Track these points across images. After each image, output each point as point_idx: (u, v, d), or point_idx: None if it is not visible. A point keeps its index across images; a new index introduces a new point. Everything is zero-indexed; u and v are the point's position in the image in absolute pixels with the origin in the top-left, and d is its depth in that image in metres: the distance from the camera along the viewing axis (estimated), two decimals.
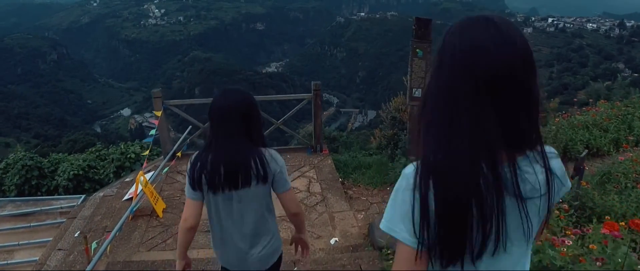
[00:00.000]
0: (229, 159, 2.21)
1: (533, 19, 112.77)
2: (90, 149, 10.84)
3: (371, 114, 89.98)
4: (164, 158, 7.48)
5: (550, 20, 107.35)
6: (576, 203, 3.80)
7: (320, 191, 6.44)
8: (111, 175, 9.11)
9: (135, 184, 5.94)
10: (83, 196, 7.61)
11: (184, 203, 3.49)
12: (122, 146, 9.99)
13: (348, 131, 65.24)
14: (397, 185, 1.15)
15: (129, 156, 9.52)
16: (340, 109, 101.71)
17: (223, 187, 2.25)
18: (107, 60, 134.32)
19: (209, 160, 2.24)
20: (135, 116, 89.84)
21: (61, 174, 9.22)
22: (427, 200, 1.05)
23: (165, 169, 6.84)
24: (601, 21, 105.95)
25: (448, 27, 1.13)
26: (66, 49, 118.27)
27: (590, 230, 2.90)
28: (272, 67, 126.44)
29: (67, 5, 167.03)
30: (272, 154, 2.32)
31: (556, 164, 1.19)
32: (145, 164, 6.72)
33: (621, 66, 72.02)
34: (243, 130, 2.22)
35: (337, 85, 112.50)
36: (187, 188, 2.36)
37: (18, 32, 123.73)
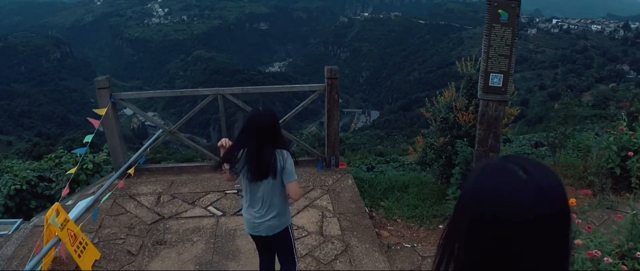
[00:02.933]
0: (259, 162, 3.12)
1: (537, 20, 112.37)
2: (48, 156, 8.53)
3: (374, 114, 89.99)
4: (115, 173, 5.77)
5: (554, 21, 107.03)
6: None
7: (340, 233, 4.63)
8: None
9: (44, 228, 3.87)
10: (18, 221, 5.53)
11: (133, 250, 4.59)
12: (78, 154, 7.23)
13: (350, 131, 65.23)
14: None
15: (85, 166, 6.99)
16: (343, 110, 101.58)
17: (254, 178, 3.16)
18: (111, 59, 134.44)
19: (246, 160, 3.16)
20: (138, 115, 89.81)
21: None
22: None
23: (106, 197, 5.01)
24: (606, 23, 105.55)
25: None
26: (69, 48, 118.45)
27: None
28: (275, 67, 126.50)
29: (71, 4, 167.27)
30: (284, 155, 3.19)
31: None
32: (65, 192, 4.57)
33: (626, 67, 71.77)
34: (269, 139, 3.14)
35: (340, 85, 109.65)
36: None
37: (22, 30, 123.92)
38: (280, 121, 4.04)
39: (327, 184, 5.75)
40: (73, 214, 4.47)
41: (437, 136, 5.69)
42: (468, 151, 4.95)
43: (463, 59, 5.44)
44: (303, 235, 4.69)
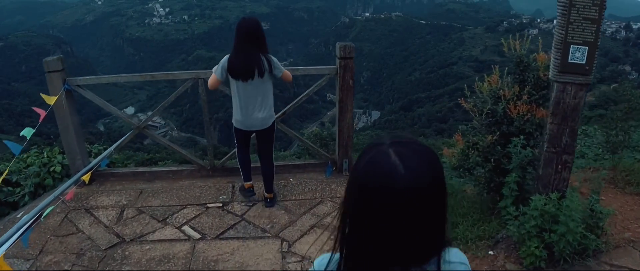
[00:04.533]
0: (248, 62, 3.90)
1: (538, 20, 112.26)
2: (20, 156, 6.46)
3: (375, 114, 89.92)
4: (74, 178, 4.49)
5: (555, 22, 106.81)
6: None
7: None
8: (27, 198, 5.65)
9: None
10: None
11: None
12: (46, 154, 6.17)
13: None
14: None
15: (52, 169, 5.86)
16: None
17: (244, 77, 3.95)
18: (111, 58, 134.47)
19: (237, 61, 3.93)
20: (139, 114, 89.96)
21: None
22: None
23: (48, 211, 3.54)
24: (607, 23, 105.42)
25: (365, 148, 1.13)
26: (70, 47, 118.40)
27: None
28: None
29: (72, 3, 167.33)
30: (270, 58, 4.02)
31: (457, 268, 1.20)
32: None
33: (628, 68, 71.66)
34: (256, 44, 3.94)
35: None
36: (217, 70, 4.08)
37: (23, 30, 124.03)
38: (285, 110, 5.00)
39: (339, 194, 4.62)
40: (5, 236, 3.17)
41: (482, 134, 4.45)
42: (527, 153, 3.91)
43: (510, 39, 4.57)
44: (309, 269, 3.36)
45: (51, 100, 4.52)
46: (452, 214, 4.43)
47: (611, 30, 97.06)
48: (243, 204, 4.80)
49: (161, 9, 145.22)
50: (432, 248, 1.09)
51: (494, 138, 4.30)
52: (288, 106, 5.21)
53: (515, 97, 4.27)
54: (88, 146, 6.94)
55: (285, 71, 4.19)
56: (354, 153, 5.33)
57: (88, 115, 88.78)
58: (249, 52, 3.90)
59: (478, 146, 4.43)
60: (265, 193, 4.65)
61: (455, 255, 1.22)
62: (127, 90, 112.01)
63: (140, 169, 5.59)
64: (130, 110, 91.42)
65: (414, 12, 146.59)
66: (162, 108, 5.61)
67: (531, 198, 3.54)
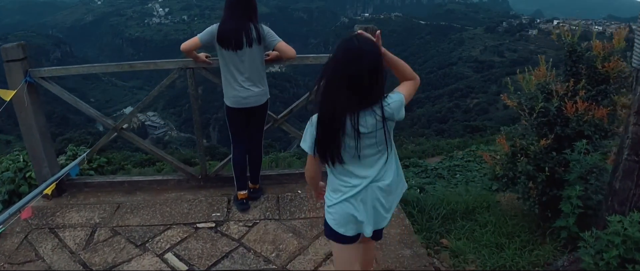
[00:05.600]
0: (238, 29, 3.57)
1: (538, 20, 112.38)
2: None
3: None
4: (34, 193, 3.81)
5: (555, 22, 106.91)
6: None
7: None
8: (0, 206, 5.15)
9: None
10: None
11: None
12: (22, 157, 5.63)
13: None
14: (307, 125, 2.06)
15: (28, 174, 5.28)
16: None
17: (235, 46, 3.58)
18: (111, 58, 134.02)
19: (226, 27, 3.58)
20: (138, 114, 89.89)
21: None
22: (317, 133, 2.01)
23: (1, 230, 3.43)
24: (607, 24, 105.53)
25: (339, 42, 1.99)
26: (70, 47, 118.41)
27: None
28: (276, 67, 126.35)
29: (72, 3, 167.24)
30: (262, 27, 3.66)
31: (392, 106, 2.00)
32: None
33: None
34: (247, 14, 3.62)
35: None
36: (202, 34, 3.68)
37: (22, 29, 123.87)
38: (291, 108, 4.40)
39: None
40: None
41: (533, 137, 3.75)
42: (592, 160, 3.35)
43: (559, 22, 3.77)
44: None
45: (7, 95, 3.80)
46: (495, 234, 3.74)
47: (611, 30, 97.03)
48: (241, 224, 3.86)
49: (161, 9, 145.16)
50: (377, 97, 1.96)
51: (549, 142, 3.58)
52: (295, 104, 4.41)
53: (569, 93, 3.69)
54: (74, 148, 6.46)
55: (282, 42, 3.68)
56: None
57: (87, 115, 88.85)
58: (239, 20, 3.58)
59: (529, 151, 3.68)
60: (250, 183, 4.23)
61: (391, 97, 2.03)
62: (126, 90, 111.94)
63: (119, 178, 4.65)
64: (129, 110, 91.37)
65: (414, 12, 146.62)
66: (142, 105, 4.88)
67: (607, 219, 2.77)
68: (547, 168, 3.53)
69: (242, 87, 3.72)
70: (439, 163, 9.88)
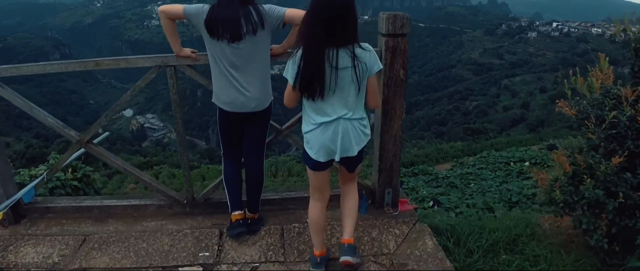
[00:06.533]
0: (236, 15, 2.78)
1: (537, 23, 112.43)
2: None
3: (372, 117, 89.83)
4: None
5: (554, 24, 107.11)
6: None
7: None
8: None
9: None
10: None
11: None
12: None
13: None
14: (292, 56, 2.42)
15: None
16: None
17: (232, 37, 2.78)
18: None
19: (221, 13, 2.78)
20: (138, 116, 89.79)
21: None
22: (300, 66, 2.34)
23: None
24: (606, 26, 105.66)
25: None
26: (69, 49, 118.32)
27: None
28: (275, 70, 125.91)
29: (71, 5, 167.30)
30: (260, 7, 2.85)
31: (365, 53, 2.36)
32: None
33: (627, 70, 71.71)
34: None
35: None
36: (189, 8, 2.87)
37: (21, 31, 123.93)
38: (296, 118, 3.34)
39: (387, 249, 3.12)
40: None
41: (600, 154, 3.00)
42: None
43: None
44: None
45: None
46: None
47: (610, 32, 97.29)
48: (236, 268, 3.02)
49: None
50: (352, 37, 2.33)
51: (620, 160, 2.84)
52: (298, 117, 3.34)
53: None
54: (58, 156, 5.73)
55: (289, 10, 2.88)
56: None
57: (87, 117, 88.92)
58: (236, 4, 2.77)
59: (596, 171, 2.92)
60: (248, 212, 3.32)
61: (366, 45, 2.40)
62: (125, 92, 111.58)
63: (88, 202, 3.80)
64: (128, 112, 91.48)
65: (413, 15, 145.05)
66: (112, 114, 3.94)
67: None
68: (621, 193, 2.81)
69: (239, 89, 2.89)
70: (449, 170, 9.59)
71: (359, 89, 2.42)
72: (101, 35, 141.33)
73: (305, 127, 2.58)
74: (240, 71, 2.89)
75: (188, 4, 3.03)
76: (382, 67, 2.57)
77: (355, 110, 2.48)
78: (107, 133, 3.81)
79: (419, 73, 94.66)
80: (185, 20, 2.89)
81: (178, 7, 2.85)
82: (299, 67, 2.36)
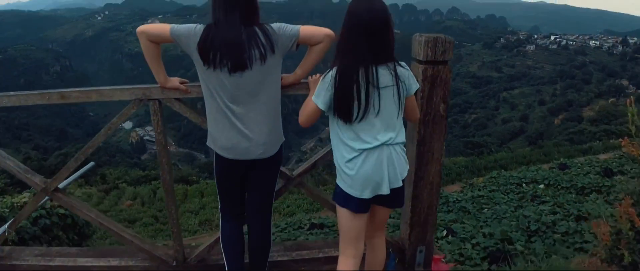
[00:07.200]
0: (238, 38, 2.18)
1: (535, 36, 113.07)
2: None
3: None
4: None
5: (552, 37, 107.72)
6: None
7: None
8: None
9: None
10: None
11: None
12: None
13: None
14: (322, 80, 2.15)
15: None
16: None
17: (233, 66, 2.18)
18: (110, 73, 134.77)
19: (219, 35, 2.18)
20: (137, 129, 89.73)
21: None
22: (336, 86, 2.08)
23: None
24: (604, 38, 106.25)
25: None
26: (69, 62, 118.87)
27: None
28: None
29: (72, 18, 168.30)
30: (268, 28, 2.23)
31: (403, 72, 2.15)
32: None
33: (625, 82, 72.06)
34: (243, 11, 2.20)
35: None
36: (177, 29, 2.25)
37: (22, 43, 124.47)
38: (311, 163, 2.83)
39: None
40: None
41: None
42: None
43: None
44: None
45: None
46: None
47: (608, 45, 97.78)
48: None
49: None
50: (391, 54, 2.10)
51: None
52: (319, 154, 2.82)
53: None
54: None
55: (304, 27, 2.30)
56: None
57: (86, 129, 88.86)
58: (240, 23, 2.18)
59: None
60: None
61: (403, 63, 2.19)
62: (125, 104, 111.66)
63: (59, 260, 3.05)
64: (128, 125, 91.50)
65: (412, 29, 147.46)
66: (83, 156, 2.85)
67: None
68: None
69: (241, 131, 2.29)
70: (460, 193, 9.32)
71: (400, 110, 2.16)
72: (101, 48, 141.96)
73: (341, 158, 2.18)
74: (243, 108, 2.27)
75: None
76: (419, 86, 2.30)
77: (398, 133, 2.18)
78: (91, 164, 3.22)
79: None
80: (175, 42, 2.26)
81: (163, 27, 2.25)
82: (335, 88, 2.08)
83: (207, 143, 2.42)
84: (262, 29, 2.20)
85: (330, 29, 2.24)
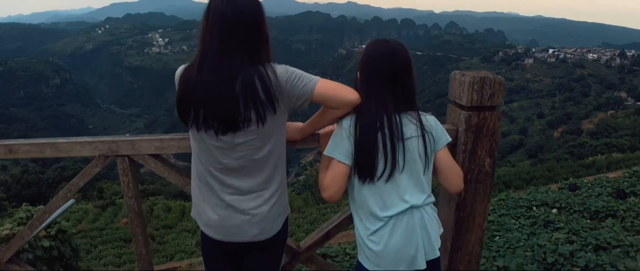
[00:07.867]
0: (227, 87, 1.56)
1: (534, 50, 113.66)
2: None
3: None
4: None
5: (551, 51, 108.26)
6: None
7: None
8: None
9: None
10: None
11: None
12: None
13: None
14: (337, 131, 1.79)
15: None
16: None
17: (218, 126, 1.60)
18: (110, 86, 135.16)
19: (199, 83, 1.58)
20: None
21: None
22: (357, 137, 1.73)
23: None
24: (601, 51, 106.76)
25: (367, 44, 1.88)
26: (69, 74, 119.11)
27: None
28: None
29: (72, 31, 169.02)
30: (275, 68, 1.63)
31: (430, 120, 1.83)
32: None
33: (624, 94, 72.29)
34: (246, 46, 1.59)
35: None
36: None
37: (22, 55, 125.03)
38: (323, 233, 2.27)
39: None
40: None
41: None
42: None
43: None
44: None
45: None
46: None
47: (606, 57, 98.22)
48: None
49: (160, 39, 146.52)
50: (411, 103, 1.79)
51: None
52: (334, 221, 2.29)
53: None
54: (30, 209, 4.38)
55: (320, 83, 1.67)
56: None
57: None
58: (230, 63, 1.56)
59: None
60: None
61: (429, 115, 1.87)
62: (125, 117, 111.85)
63: None
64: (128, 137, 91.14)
65: (411, 44, 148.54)
66: (40, 223, 2.34)
67: None
68: None
69: (231, 205, 1.72)
70: None
71: (427, 166, 1.78)
72: (102, 61, 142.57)
73: (363, 229, 1.76)
74: (236, 178, 1.71)
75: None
76: (450, 139, 1.84)
77: (428, 193, 1.79)
78: (72, 201, 2.65)
79: (417, 100, 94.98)
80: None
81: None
82: (355, 141, 1.70)
83: (192, 215, 1.86)
84: (260, 75, 1.56)
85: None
